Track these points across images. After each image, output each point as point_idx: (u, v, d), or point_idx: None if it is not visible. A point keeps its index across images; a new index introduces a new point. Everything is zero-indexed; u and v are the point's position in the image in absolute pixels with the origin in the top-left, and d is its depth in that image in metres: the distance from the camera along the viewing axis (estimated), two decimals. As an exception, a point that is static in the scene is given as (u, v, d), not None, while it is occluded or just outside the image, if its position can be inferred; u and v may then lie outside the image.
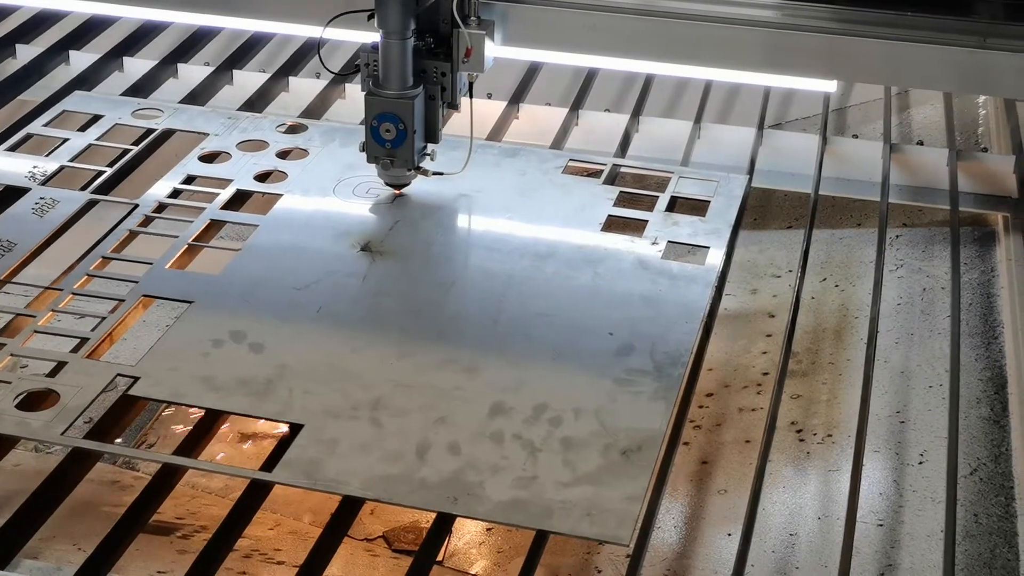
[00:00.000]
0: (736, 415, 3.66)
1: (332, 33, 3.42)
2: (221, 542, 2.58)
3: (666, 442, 2.76)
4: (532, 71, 4.43)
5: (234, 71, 4.45)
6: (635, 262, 3.32)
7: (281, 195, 3.59)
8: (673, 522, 3.31)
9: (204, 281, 3.22)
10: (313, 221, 3.48)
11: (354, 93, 4.31)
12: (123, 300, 3.13)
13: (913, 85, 4.47)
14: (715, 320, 3.24)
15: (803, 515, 3.25)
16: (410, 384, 2.87)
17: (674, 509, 3.34)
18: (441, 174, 3.52)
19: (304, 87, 4.39)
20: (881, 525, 3.15)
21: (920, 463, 3.33)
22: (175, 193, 3.59)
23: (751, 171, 3.94)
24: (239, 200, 3.59)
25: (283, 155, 3.80)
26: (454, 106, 3.42)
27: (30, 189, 3.59)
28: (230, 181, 3.64)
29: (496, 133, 4.11)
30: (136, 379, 2.86)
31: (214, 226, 3.48)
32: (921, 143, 4.33)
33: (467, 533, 3.48)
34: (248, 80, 4.40)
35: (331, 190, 3.61)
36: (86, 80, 4.33)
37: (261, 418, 2.80)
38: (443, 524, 2.60)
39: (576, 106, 4.27)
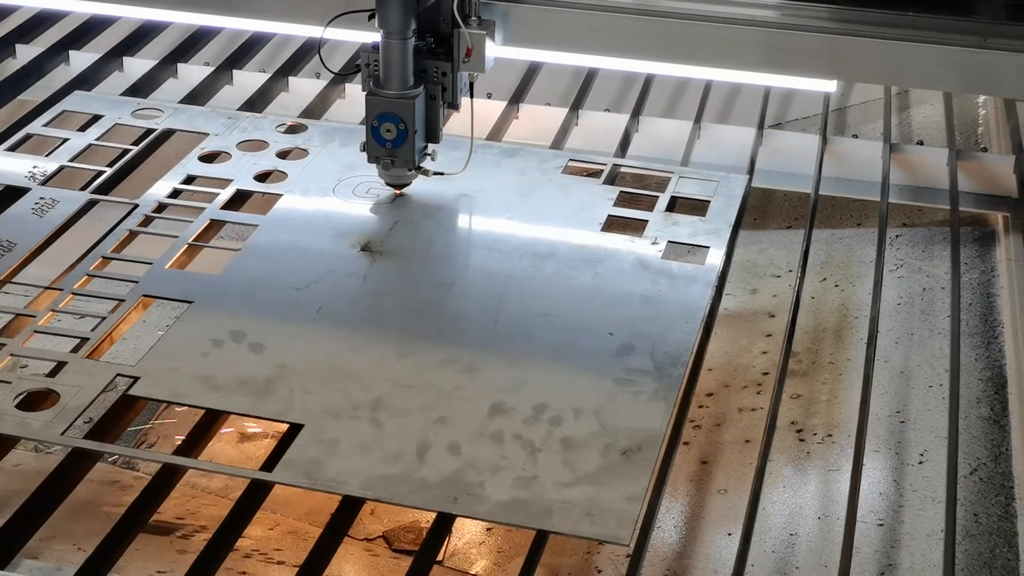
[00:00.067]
0: (736, 415, 3.66)
1: (332, 33, 3.42)
2: (221, 542, 2.58)
3: (666, 442, 2.76)
4: (532, 71, 4.43)
5: (234, 71, 4.45)
6: (635, 262, 3.32)
7: (281, 195, 3.59)
8: (673, 522, 3.31)
9: (204, 281, 3.22)
10: (313, 221, 3.48)
11: (354, 93, 4.31)
12: (123, 300, 3.13)
13: (913, 85, 4.47)
14: (715, 320, 3.24)
15: (803, 515, 3.25)
16: (410, 384, 2.87)
17: (674, 509, 3.34)
18: (442, 174, 3.52)
19: (304, 87, 4.39)
20: (881, 525, 3.15)
21: (920, 463, 3.33)
22: (175, 193, 3.59)
23: (751, 171, 3.94)
24: (239, 200, 3.59)
25: (283, 155, 3.80)
26: (455, 106, 3.42)
27: (30, 189, 3.59)
28: (230, 181, 3.64)
29: (496, 133, 4.11)
30: (136, 379, 2.86)
31: (214, 226, 3.48)
32: (921, 143, 4.33)
33: (467, 533, 3.48)
34: (248, 80, 4.40)
35: (331, 190, 3.61)
36: (86, 80, 4.33)
37: (261, 418, 2.80)
38: (443, 524, 2.60)
39: (576, 106, 4.27)
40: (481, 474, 2.62)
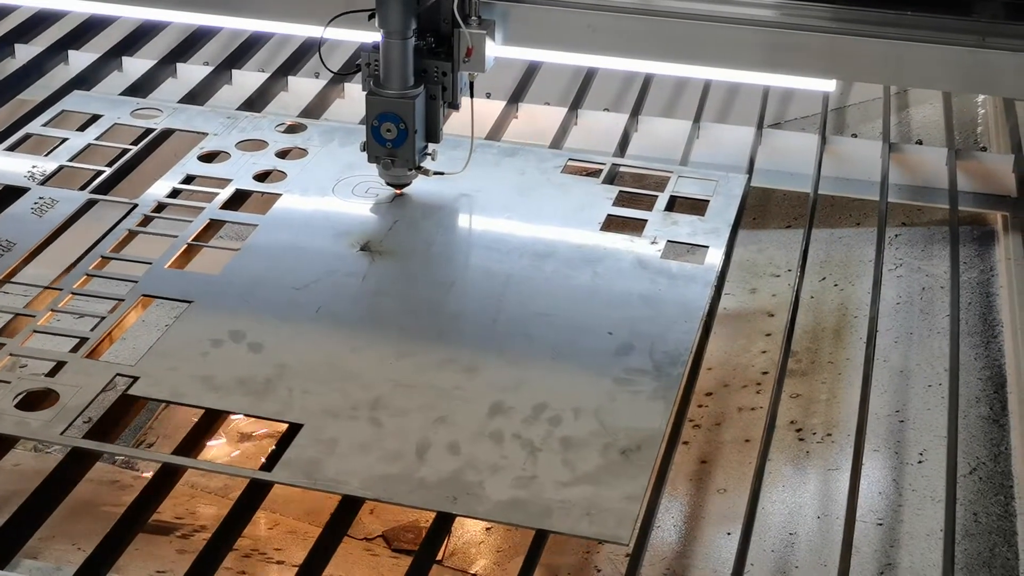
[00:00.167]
0: (735, 414, 3.66)
1: (332, 33, 3.42)
2: (221, 542, 2.58)
3: (665, 441, 2.76)
4: (531, 70, 4.43)
5: (233, 71, 4.45)
6: (634, 261, 3.32)
7: (280, 195, 3.59)
8: (672, 521, 3.31)
9: (203, 281, 3.22)
10: (312, 221, 3.48)
11: (353, 92, 4.31)
12: (122, 300, 3.13)
13: (912, 84, 4.47)
14: (714, 319, 3.24)
15: (803, 514, 3.25)
16: (410, 384, 2.87)
17: (673, 508, 3.34)
18: (442, 174, 3.52)
19: (303, 87, 4.39)
20: (880, 524, 3.15)
21: (919, 462, 3.34)
22: (174, 193, 3.59)
23: (750, 170, 3.94)
24: (238, 200, 3.59)
25: (282, 155, 3.80)
26: (455, 106, 3.42)
27: (29, 189, 3.59)
28: (229, 181, 3.64)
29: (495, 133, 4.11)
30: (135, 379, 2.86)
31: (213, 226, 3.48)
32: (920, 142, 4.33)
33: (467, 532, 3.48)
34: (247, 80, 4.40)
35: (330, 190, 3.61)
36: (85, 80, 4.33)
37: (261, 418, 2.80)
38: (443, 524, 2.60)
39: (575, 105, 4.27)
40: (480, 474, 2.62)
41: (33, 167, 3.69)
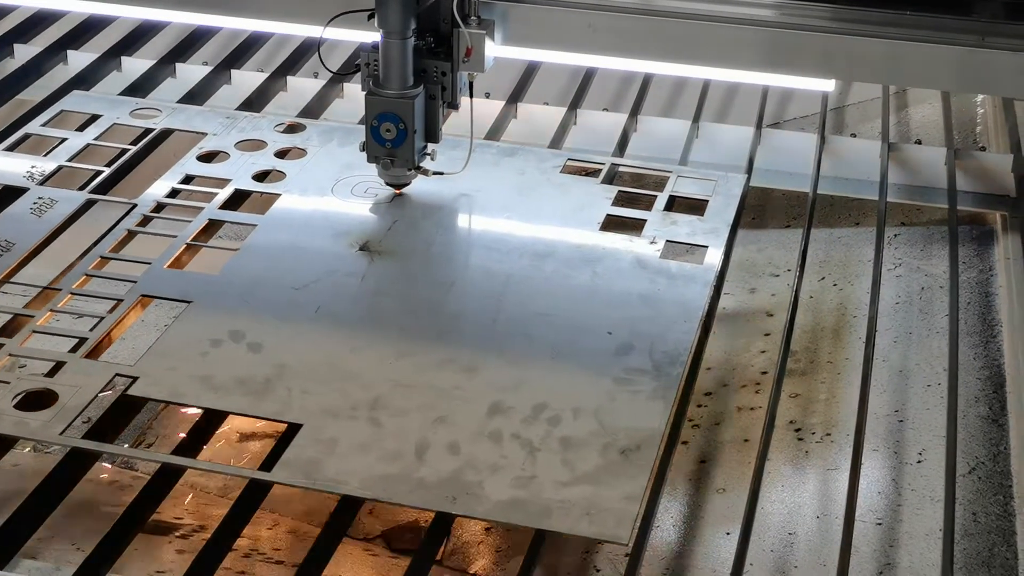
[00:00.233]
0: (735, 414, 3.66)
1: (332, 33, 3.42)
2: (220, 542, 2.58)
3: (665, 441, 2.76)
4: (530, 70, 4.43)
5: (232, 71, 4.45)
6: (634, 261, 3.33)
7: (279, 195, 3.59)
8: (672, 521, 3.31)
9: (203, 281, 3.22)
10: (312, 221, 3.48)
11: (352, 92, 4.31)
12: (122, 300, 3.13)
13: (911, 84, 4.47)
14: (714, 319, 3.24)
15: (802, 514, 3.25)
16: (409, 384, 2.87)
17: (673, 508, 3.34)
18: (441, 174, 3.52)
19: (302, 86, 4.39)
20: (880, 524, 3.15)
21: (919, 462, 3.33)
22: (173, 193, 3.59)
23: (749, 170, 3.94)
24: (237, 200, 3.59)
25: (281, 155, 3.80)
26: (454, 106, 3.42)
27: (28, 189, 3.59)
28: (228, 181, 3.64)
29: (494, 132, 4.11)
30: (135, 379, 2.86)
31: (212, 226, 3.48)
32: (919, 142, 4.33)
33: (466, 532, 3.48)
34: (246, 80, 4.40)
35: (330, 189, 3.61)
36: (84, 80, 4.33)
37: (260, 418, 2.80)
38: (442, 523, 2.60)
39: (574, 105, 4.27)
40: (480, 474, 2.62)
41: (32, 167, 3.69)
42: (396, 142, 3.37)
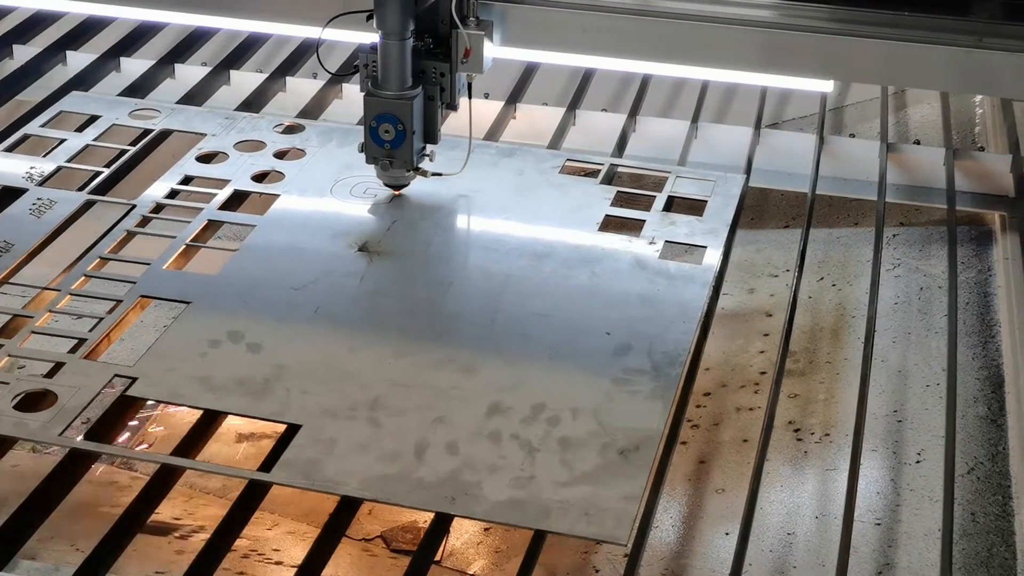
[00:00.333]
0: (734, 414, 3.67)
1: (331, 33, 3.42)
2: (219, 542, 2.58)
3: (664, 441, 2.76)
4: (529, 71, 4.43)
5: (231, 71, 4.45)
6: (632, 262, 3.33)
7: (278, 195, 3.59)
8: (671, 521, 3.31)
9: (202, 281, 3.22)
10: (311, 221, 3.48)
11: (351, 93, 4.31)
12: (121, 300, 3.13)
13: (910, 85, 4.48)
14: (712, 319, 3.24)
15: (801, 514, 3.25)
16: (408, 384, 2.87)
17: (672, 508, 3.34)
18: (440, 175, 3.53)
19: (301, 87, 4.39)
20: (879, 524, 3.15)
21: (917, 462, 3.34)
22: (172, 193, 3.59)
23: (748, 171, 3.95)
24: (236, 200, 3.59)
25: (280, 155, 3.80)
26: (453, 107, 3.42)
27: (27, 190, 3.59)
28: (227, 181, 3.64)
29: (493, 133, 4.11)
30: (134, 379, 2.86)
31: (211, 226, 3.48)
32: (918, 142, 4.34)
33: (465, 533, 3.48)
34: (245, 80, 4.40)
35: (328, 190, 3.61)
36: (83, 80, 4.33)
37: (259, 418, 2.80)
38: (441, 524, 2.61)
39: (573, 106, 4.27)
40: (479, 474, 2.62)
41: (31, 168, 3.69)
42: (395, 143, 3.37)
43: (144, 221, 3.46)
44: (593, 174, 3.75)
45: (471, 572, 3.40)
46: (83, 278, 3.22)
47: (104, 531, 2.56)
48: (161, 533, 3.39)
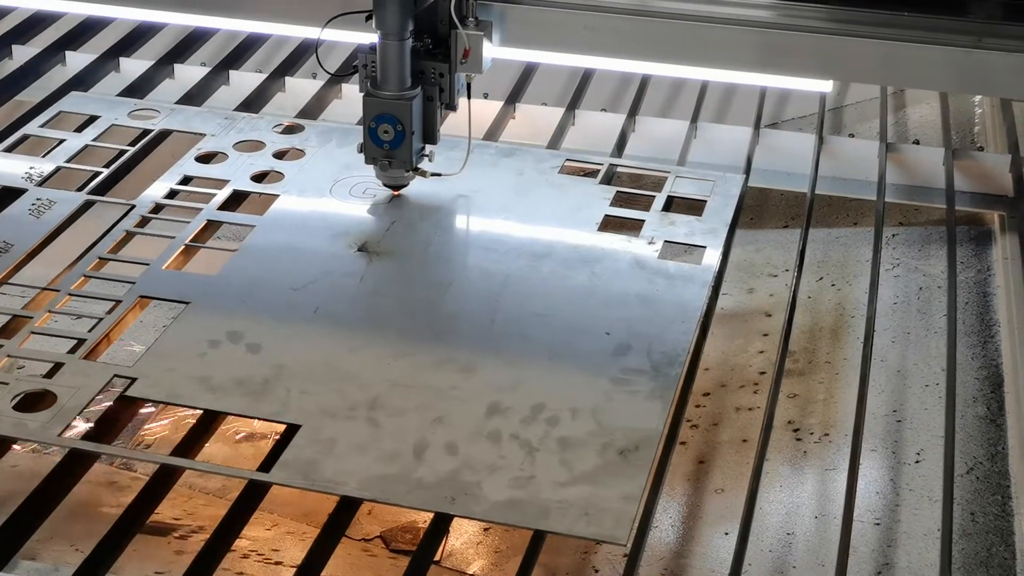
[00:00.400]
0: (733, 414, 3.67)
1: (330, 34, 3.42)
2: (219, 543, 2.58)
3: (663, 441, 2.76)
4: (528, 71, 4.43)
5: (230, 71, 4.45)
6: (632, 262, 3.33)
7: (278, 195, 3.60)
8: (670, 521, 3.31)
9: (201, 282, 3.22)
10: (310, 221, 3.48)
11: (350, 93, 4.31)
12: (120, 301, 3.13)
13: (909, 85, 4.48)
14: (712, 319, 3.24)
15: (800, 514, 3.26)
16: (407, 384, 2.87)
17: (671, 508, 3.34)
18: (439, 175, 3.53)
19: (301, 87, 4.39)
20: (878, 524, 3.16)
21: (917, 462, 3.34)
22: (172, 194, 3.59)
23: (747, 170, 3.95)
24: (236, 200, 3.59)
25: (280, 155, 3.80)
26: (452, 107, 3.42)
27: (27, 190, 3.59)
28: (227, 181, 3.64)
29: (493, 133, 4.11)
30: (133, 380, 2.86)
31: (211, 227, 3.48)
32: (917, 142, 4.34)
33: (464, 533, 3.48)
34: (245, 80, 4.40)
35: (328, 190, 3.61)
36: (82, 81, 4.33)
37: (258, 419, 2.80)
38: (440, 524, 2.61)
39: (572, 106, 4.27)
40: (478, 474, 2.62)
41: (30, 168, 3.69)
42: (394, 143, 3.37)
43: (143, 221, 3.46)
44: (592, 174, 3.76)
45: (470, 572, 3.40)
46: (82, 278, 3.22)
47: (104, 531, 2.56)
48: (160, 533, 3.39)
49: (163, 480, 2.70)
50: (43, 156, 3.76)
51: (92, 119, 3.97)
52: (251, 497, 2.66)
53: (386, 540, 3.52)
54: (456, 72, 3.36)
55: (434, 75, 3.36)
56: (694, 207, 3.59)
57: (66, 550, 3.17)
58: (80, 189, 3.61)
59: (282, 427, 2.76)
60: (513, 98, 4.30)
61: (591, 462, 2.66)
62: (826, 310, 4.02)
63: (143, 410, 2.97)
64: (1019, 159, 4.05)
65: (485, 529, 3.49)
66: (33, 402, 2.79)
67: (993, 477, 3.25)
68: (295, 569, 2.53)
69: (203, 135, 3.88)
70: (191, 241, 3.38)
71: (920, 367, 3.66)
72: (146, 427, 3.76)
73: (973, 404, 3.48)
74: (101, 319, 3.05)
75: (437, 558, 3.37)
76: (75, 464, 2.73)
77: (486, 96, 4.30)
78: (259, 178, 3.69)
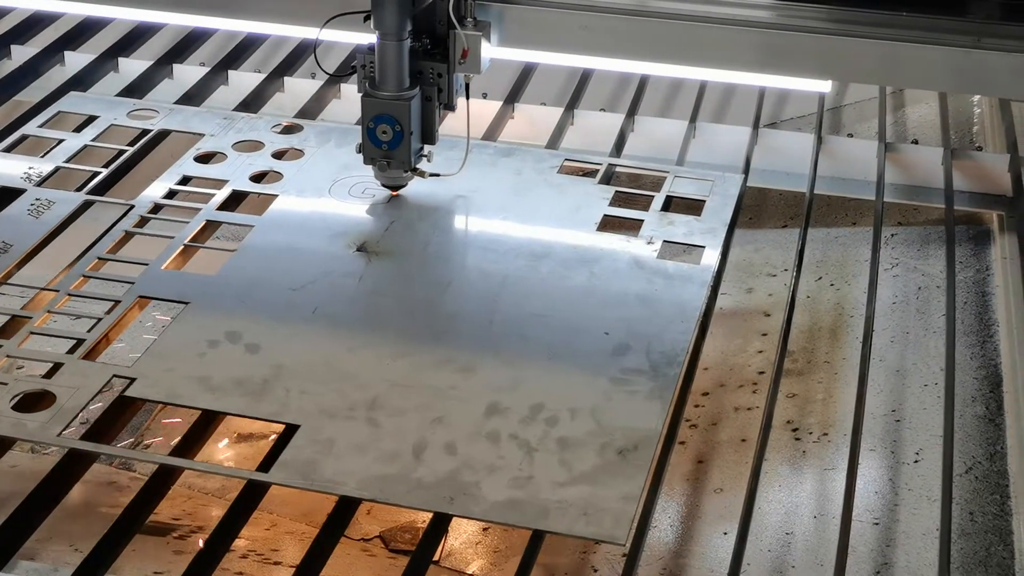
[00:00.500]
0: (732, 414, 3.67)
1: (328, 34, 3.42)
2: (218, 542, 2.58)
3: (662, 441, 2.76)
4: (527, 71, 4.43)
5: (229, 71, 4.45)
6: (631, 262, 3.33)
7: (277, 195, 3.60)
8: (669, 521, 3.32)
9: (200, 282, 3.22)
10: (309, 221, 3.48)
11: (349, 93, 4.32)
12: (119, 301, 3.13)
13: (908, 85, 4.48)
14: (711, 319, 3.24)
15: (799, 514, 3.26)
16: (406, 384, 2.87)
17: (670, 508, 3.34)
18: (438, 175, 3.53)
19: (299, 87, 4.39)
20: (877, 524, 3.16)
21: (916, 462, 3.34)
22: (171, 194, 3.59)
23: (746, 170, 3.95)
24: (235, 201, 3.59)
25: (279, 155, 3.80)
26: (450, 107, 3.42)
27: (26, 190, 3.59)
28: (226, 182, 3.64)
29: (492, 133, 4.11)
30: (132, 380, 2.86)
31: (210, 227, 3.48)
32: (916, 142, 4.34)
33: (464, 533, 3.49)
34: (243, 80, 4.40)
35: (327, 190, 3.61)
36: (81, 81, 4.33)
37: (258, 419, 2.80)
38: (440, 524, 2.61)
39: (571, 106, 4.27)
40: (477, 474, 2.62)
41: (29, 168, 3.69)
42: (392, 144, 3.37)
43: (142, 221, 3.46)
44: (591, 174, 3.76)
45: (470, 572, 3.40)
46: (81, 278, 3.22)
47: (103, 531, 2.56)
48: (160, 533, 3.39)
49: (162, 480, 2.70)
50: (42, 156, 3.76)
51: (91, 119, 3.97)
52: (250, 497, 2.66)
53: (385, 540, 3.52)
54: (454, 72, 3.36)
55: (432, 75, 3.36)
56: (693, 207, 3.59)
57: (65, 550, 3.17)
58: (79, 189, 3.61)
59: (281, 427, 2.76)
60: (512, 98, 4.30)
61: (590, 462, 2.66)
62: (825, 310, 4.03)
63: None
64: (1018, 159, 4.05)
65: (484, 529, 3.49)
66: (32, 402, 2.79)
67: (992, 477, 3.25)
68: (294, 569, 2.53)
69: (202, 135, 3.88)
70: (190, 241, 3.38)
71: (919, 367, 3.66)
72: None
73: (972, 404, 3.48)
74: (100, 319, 3.05)
75: (436, 558, 3.37)
76: (74, 464, 2.73)
77: (485, 96, 4.30)
78: (258, 178, 3.69)
